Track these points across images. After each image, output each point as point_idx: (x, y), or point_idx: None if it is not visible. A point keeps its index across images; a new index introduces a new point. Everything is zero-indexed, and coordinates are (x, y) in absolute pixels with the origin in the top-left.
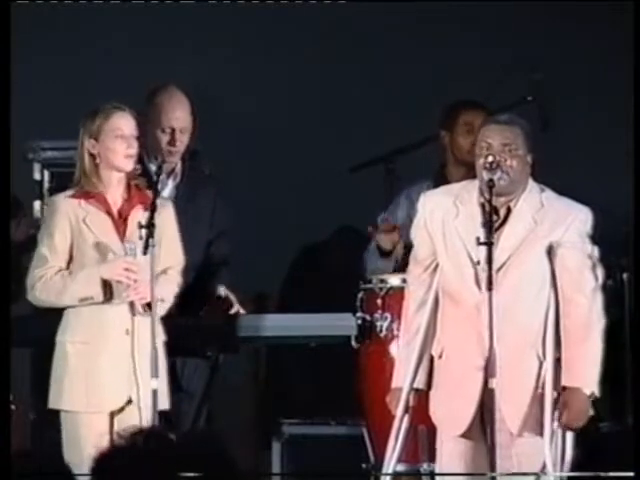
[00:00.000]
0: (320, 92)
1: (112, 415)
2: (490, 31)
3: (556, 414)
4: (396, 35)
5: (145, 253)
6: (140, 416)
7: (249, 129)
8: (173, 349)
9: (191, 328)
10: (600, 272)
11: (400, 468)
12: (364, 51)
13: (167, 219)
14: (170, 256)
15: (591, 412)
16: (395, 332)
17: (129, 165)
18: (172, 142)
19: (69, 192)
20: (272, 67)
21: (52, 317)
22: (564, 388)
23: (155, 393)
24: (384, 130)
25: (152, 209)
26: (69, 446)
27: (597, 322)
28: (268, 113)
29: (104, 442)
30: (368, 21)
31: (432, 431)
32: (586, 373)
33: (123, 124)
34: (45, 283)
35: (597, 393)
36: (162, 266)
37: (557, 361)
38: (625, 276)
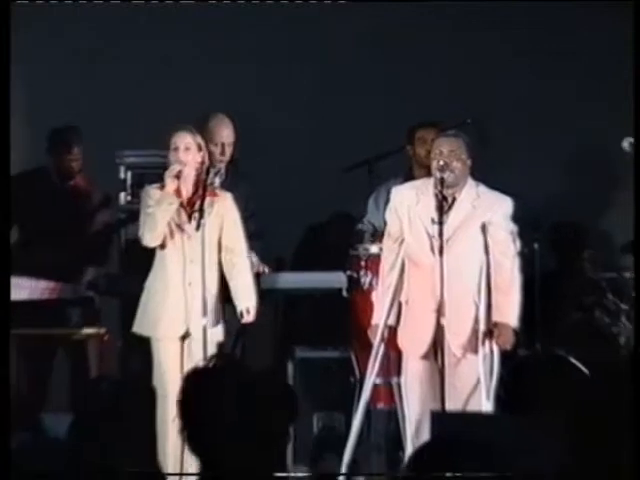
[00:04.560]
0: (327, 102)
1: (181, 342)
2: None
3: (487, 342)
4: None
5: (197, 229)
6: (204, 342)
7: (268, 140)
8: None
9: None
10: (518, 243)
11: (377, 381)
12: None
13: (228, 207)
14: (232, 237)
15: (513, 340)
16: (374, 285)
17: (177, 168)
18: (222, 153)
19: (156, 185)
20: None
21: (137, 274)
22: (495, 324)
23: (205, 328)
24: (368, 140)
25: (202, 198)
26: (156, 371)
27: (517, 278)
28: (281, 124)
29: (178, 366)
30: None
31: (399, 355)
32: (511, 312)
33: (185, 140)
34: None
35: (516, 327)
36: (225, 242)
37: (488, 306)
38: (536, 246)
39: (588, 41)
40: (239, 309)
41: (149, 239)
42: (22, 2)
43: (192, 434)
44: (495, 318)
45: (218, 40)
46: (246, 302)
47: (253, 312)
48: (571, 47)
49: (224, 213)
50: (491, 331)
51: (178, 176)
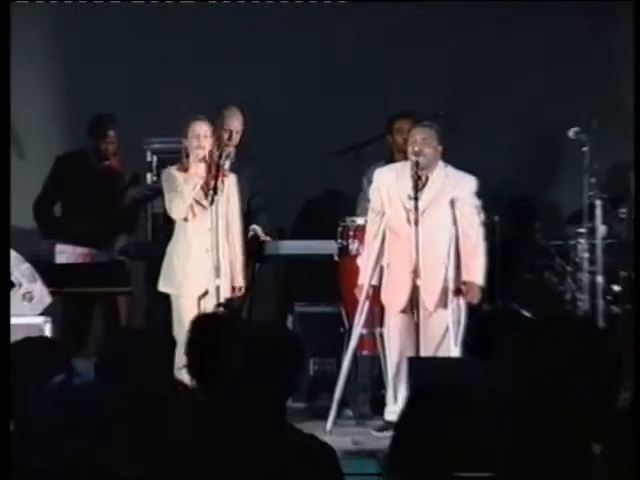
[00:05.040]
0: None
1: (198, 299)
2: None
3: (455, 298)
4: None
5: (212, 204)
6: (217, 299)
7: (272, 129)
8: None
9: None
10: (482, 215)
11: (363, 331)
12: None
13: (232, 187)
14: (233, 214)
15: (480, 296)
16: (360, 252)
17: (201, 153)
18: (230, 138)
19: (175, 166)
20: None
21: (161, 241)
22: (465, 282)
23: (218, 288)
24: (355, 129)
25: (216, 177)
26: (175, 323)
27: (481, 245)
28: (283, 115)
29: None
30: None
31: (382, 309)
32: (477, 273)
33: (202, 127)
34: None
35: (482, 285)
36: (229, 217)
37: (456, 268)
38: (496, 218)
39: (543, 34)
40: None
41: (177, 213)
42: (22, 2)
43: (204, 371)
44: (464, 278)
45: (230, 40)
46: (237, 280)
47: (242, 289)
48: (526, 42)
49: (230, 193)
50: (460, 289)
51: (204, 159)
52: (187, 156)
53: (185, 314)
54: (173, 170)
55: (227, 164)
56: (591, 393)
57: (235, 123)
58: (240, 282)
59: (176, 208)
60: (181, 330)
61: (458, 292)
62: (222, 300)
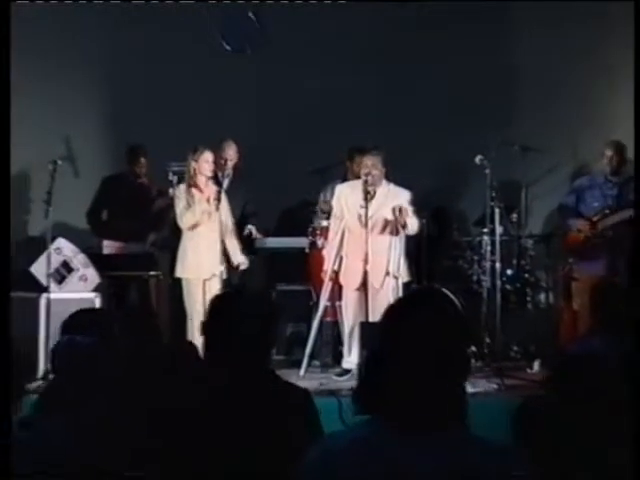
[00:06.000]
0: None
1: (204, 282)
2: None
3: (394, 280)
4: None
5: (217, 210)
6: (220, 281)
7: (260, 155)
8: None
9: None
10: (415, 218)
11: (327, 303)
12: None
13: (224, 199)
14: (228, 218)
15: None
16: (325, 246)
17: (209, 173)
18: (225, 163)
19: (184, 184)
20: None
21: (179, 238)
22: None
23: (221, 273)
24: (320, 156)
25: (219, 192)
26: (186, 299)
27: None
28: (269, 143)
29: (201, 299)
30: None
31: (341, 288)
32: (400, 270)
33: (207, 155)
34: (182, 218)
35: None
36: (227, 222)
37: (397, 259)
38: (424, 220)
39: (447, 86)
40: (234, 263)
41: (185, 224)
42: (22, 2)
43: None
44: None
45: (223, 86)
46: (237, 259)
47: (244, 265)
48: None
49: (225, 204)
50: (396, 276)
51: (210, 178)
52: (195, 175)
53: (195, 293)
54: (183, 187)
55: (226, 182)
56: None
57: (231, 152)
58: (239, 259)
59: (185, 220)
60: (190, 303)
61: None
62: (223, 279)
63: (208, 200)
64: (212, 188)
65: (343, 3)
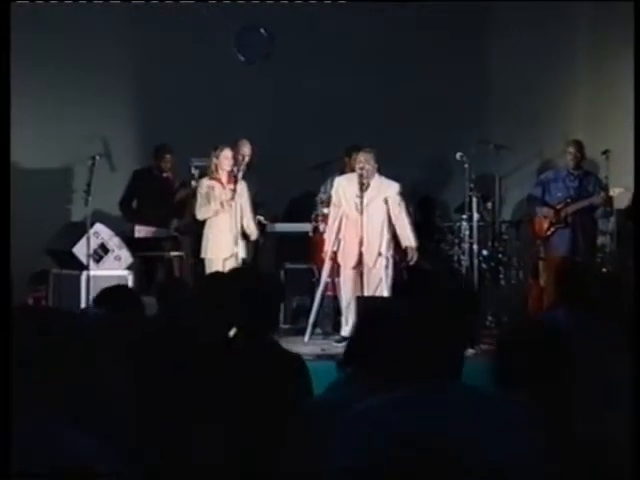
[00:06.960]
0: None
1: (223, 261)
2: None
3: (386, 259)
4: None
5: (232, 199)
6: (236, 260)
7: (270, 151)
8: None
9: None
10: (405, 207)
11: (327, 279)
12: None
13: (244, 189)
14: (247, 207)
15: (416, 257)
16: (325, 230)
17: (228, 168)
18: (242, 159)
19: (207, 177)
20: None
21: (201, 223)
22: (406, 247)
23: (237, 253)
24: (322, 152)
25: (235, 183)
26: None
27: (409, 224)
28: (278, 143)
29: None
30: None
31: (339, 266)
32: (412, 240)
33: (227, 152)
34: (200, 209)
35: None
36: (246, 210)
37: (387, 241)
38: (411, 209)
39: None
40: (252, 238)
41: (202, 215)
42: (22, 2)
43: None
44: (404, 244)
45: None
46: (249, 230)
47: (253, 235)
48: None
49: (242, 193)
50: (387, 257)
51: (228, 172)
52: (216, 170)
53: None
54: (206, 180)
55: (240, 174)
56: None
57: (245, 150)
58: (250, 230)
59: (203, 212)
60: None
61: (402, 250)
62: (240, 259)
63: (228, 190)
64: (230, 180)
65: (343, 3)
